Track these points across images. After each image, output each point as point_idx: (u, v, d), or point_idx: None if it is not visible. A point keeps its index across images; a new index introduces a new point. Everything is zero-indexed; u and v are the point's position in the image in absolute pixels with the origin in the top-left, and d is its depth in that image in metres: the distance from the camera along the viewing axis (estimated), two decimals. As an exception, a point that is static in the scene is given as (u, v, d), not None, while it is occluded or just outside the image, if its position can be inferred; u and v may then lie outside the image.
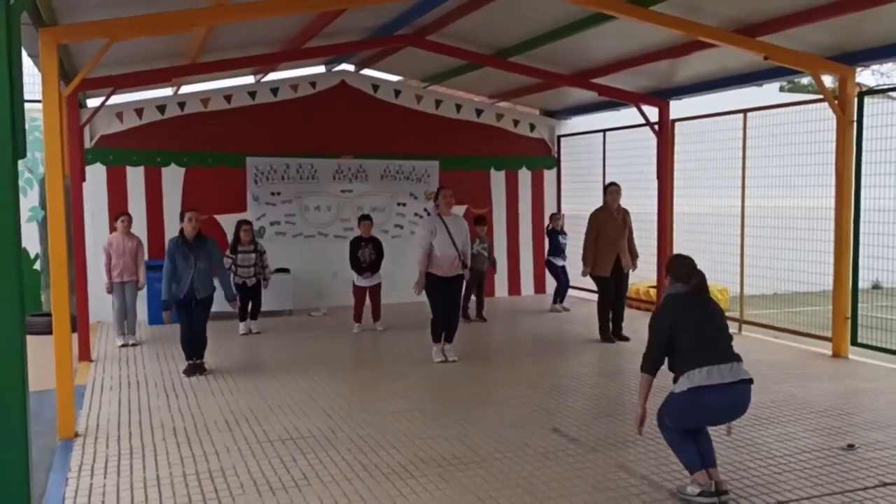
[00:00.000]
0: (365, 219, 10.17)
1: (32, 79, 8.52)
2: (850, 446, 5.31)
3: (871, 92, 8.32)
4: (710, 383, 4.20)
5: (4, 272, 3.05)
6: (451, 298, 8.02)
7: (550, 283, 12.07)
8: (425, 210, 11.99)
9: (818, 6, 7.02)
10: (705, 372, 4.21)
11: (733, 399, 4.30)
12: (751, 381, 4.33)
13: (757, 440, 5.46)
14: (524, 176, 13.25)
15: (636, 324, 9.38)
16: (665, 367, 4.45)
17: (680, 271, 4.57)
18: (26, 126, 12.88)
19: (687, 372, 4.26)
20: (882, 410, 6.21)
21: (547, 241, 11.79)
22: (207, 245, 7.67)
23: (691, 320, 4.38)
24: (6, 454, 3.05)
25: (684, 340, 4.32)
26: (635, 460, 5.07)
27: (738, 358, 4.34)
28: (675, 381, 4.35)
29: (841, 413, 6.14)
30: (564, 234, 11.54)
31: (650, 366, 4.43)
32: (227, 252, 9.81)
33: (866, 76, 22.21)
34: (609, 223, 9.04)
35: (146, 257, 10.62)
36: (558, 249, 11.43)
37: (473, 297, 10.86)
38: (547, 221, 12.03)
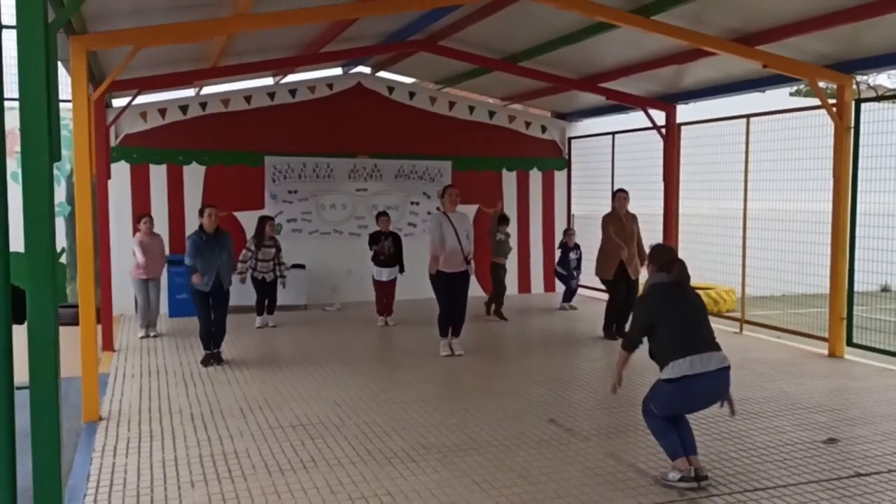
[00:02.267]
0: (383, 215, 10.54)
1: (61, 79, 8.91)
2: (832, 440, 5.56)
3: (869, 99, 8.50)
4: (694, 372, 4.49)
5: (42, 267, 3.37)
6: (457, 295, 8.34)
7: (560, 284, 12.32)
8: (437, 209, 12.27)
9: (815, 16, 7.24)
10: (688, 362, 4.49)
11: (714, 387, 4.60)
12: (729, 367, 4.62)
13: (742, 432, 5.72)
14: (535, 176, 13.51)
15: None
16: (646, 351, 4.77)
17: (661, 260, 4.84)
18: (55, 126, 13.00)
19: (671, 361, 4.53)
20: (869, 407, 6.44)
21: (559, 254, 12.03)
22: (226, 239, 8.16)
23: (674, 310, 4.66)
24: (42, 434, 3.40)
25: (667, 330, 4.61)
26: (624, 449, 5.36)
27: (717, 347, 4.62)
28: (661, 369, 4.63)
29: (828, 409, 6.38)
30: (577, 248, 11.72)
31: (630, 345, 4.84)
32: (248, 245, 10.18)
33: (882, 79, 22.13)
34: (617, 227, 9.29)
35: (167, 252, 11.04)
36: (568, 265, 11.71)
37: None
38: (561, 236, 12.29)
